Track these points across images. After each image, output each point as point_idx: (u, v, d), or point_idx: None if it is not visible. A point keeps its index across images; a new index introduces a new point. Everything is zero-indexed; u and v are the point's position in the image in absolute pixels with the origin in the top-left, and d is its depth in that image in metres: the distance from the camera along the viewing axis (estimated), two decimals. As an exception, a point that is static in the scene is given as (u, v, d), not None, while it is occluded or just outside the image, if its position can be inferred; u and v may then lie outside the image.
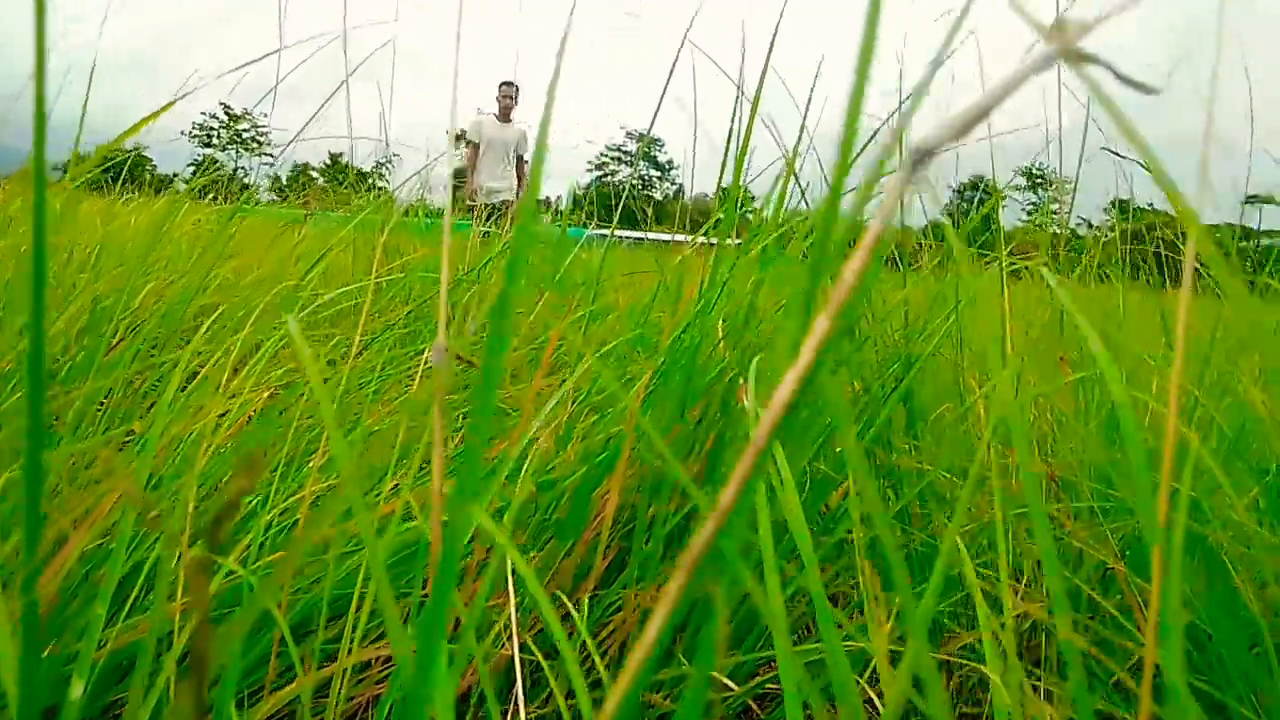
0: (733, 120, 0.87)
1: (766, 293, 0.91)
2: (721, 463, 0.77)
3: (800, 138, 1.06)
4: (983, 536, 0.76)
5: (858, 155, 1.01)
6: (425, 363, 1.01)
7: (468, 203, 5.54)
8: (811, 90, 1.07)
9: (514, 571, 0.54)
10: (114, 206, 1.90)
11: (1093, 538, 0.70)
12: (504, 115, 5.82)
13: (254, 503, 0.69)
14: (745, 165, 0.97)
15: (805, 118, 1.09)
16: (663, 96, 1.20)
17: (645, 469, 0.74)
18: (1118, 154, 1.21)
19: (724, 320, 0.83)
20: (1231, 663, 0.66)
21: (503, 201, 5.64)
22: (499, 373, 0.24)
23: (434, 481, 0.28)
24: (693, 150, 1.35)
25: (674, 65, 1.15)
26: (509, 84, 5.84)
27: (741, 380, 0.69)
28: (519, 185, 5.83)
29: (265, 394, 0.80)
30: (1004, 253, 1.33)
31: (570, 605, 0.58)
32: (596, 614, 0.69)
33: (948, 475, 0.80)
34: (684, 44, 1.16)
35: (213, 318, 0.96)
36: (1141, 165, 1.28)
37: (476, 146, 5.75)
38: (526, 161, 5.81)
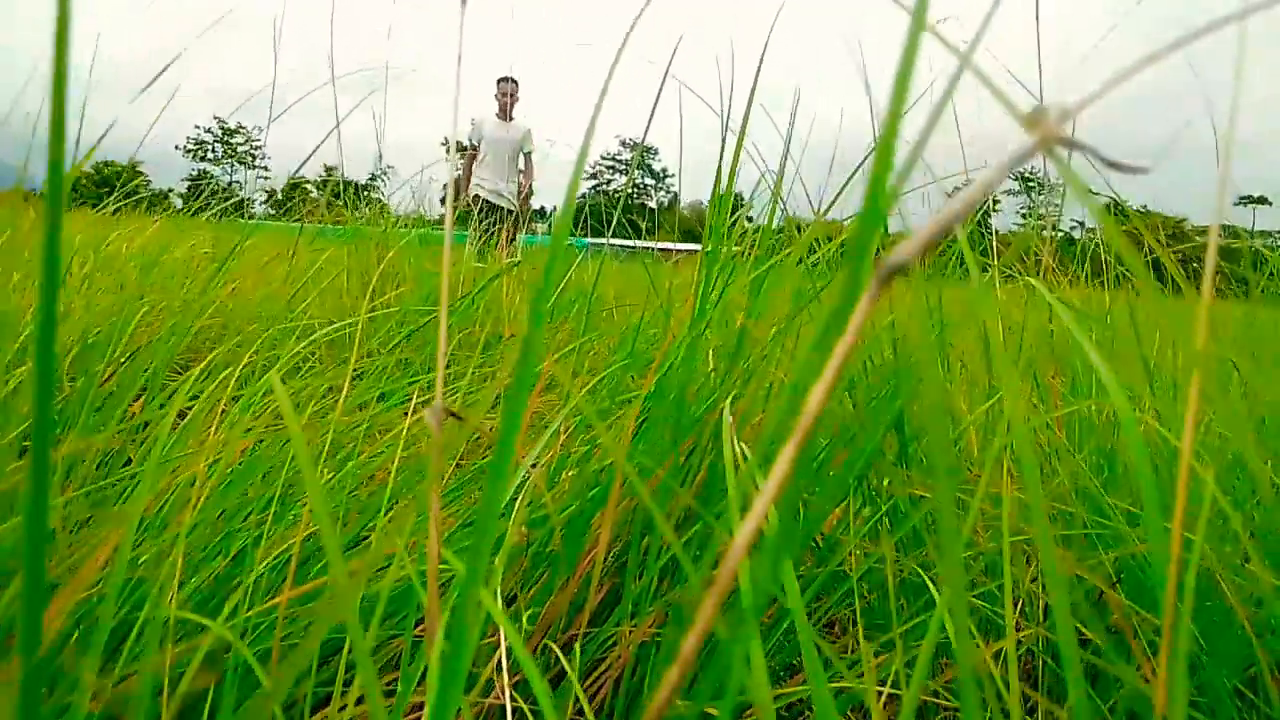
0: (720, 155, 0.87)
1: (760, 305, 0.91)
2: (714, 493, 0.77)
3: (785, 153, 1.06)
4: (979, 564, 0.76)
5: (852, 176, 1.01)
6: (419, 390, 1.01)
7: (468, 203, 5.26)
8: (794, 110, 1.07)
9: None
10: (109, 231, 1.90)
11: (1085, 563, 0.70)
12: (504, 113, 5.50)
13: (245, 544, 0.69)
14: (736, 175, 0.97)
15: (790, 134, 1.10)
16: (656, 104, 1.20)
17: (638, 502, 0.74)
18: (1080, 223, 1.21)
19: (713, 351, 0.83)
20: (1222, 687, 0.66)
21: (506, 208, 5.36)
22: (510, 461, 0.24)
23: (430, 568, 0.28)
24: (680, 163, 1.36)
25: (666, 72, 1.15)
26: (508, 80, 5.49)
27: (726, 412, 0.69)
28: (526, 183, 5.53)
29: (254, 440, 0.80)
30: (996, 264, 1.33)
31: (561, 654, 0.58)
32: (591, 650, 0.69)
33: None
34: (677, 49, 1.16)
35: (210, 356, 0.96)
36: (1114, 192, 1.29)
37: (475, 150, 5.47)
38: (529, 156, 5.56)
